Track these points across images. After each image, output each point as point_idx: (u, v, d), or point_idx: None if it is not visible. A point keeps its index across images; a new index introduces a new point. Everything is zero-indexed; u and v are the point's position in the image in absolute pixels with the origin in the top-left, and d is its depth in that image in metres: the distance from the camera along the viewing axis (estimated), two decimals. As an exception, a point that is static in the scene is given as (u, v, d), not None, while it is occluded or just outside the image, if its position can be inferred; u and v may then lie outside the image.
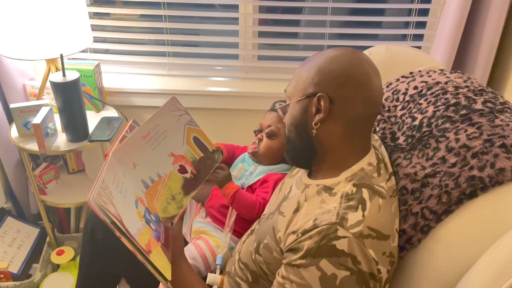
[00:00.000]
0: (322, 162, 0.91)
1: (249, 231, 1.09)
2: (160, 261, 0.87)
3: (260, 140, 1.24)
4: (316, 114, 0.86)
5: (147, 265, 0.85)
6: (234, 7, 1.83)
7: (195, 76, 1.91)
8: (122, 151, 0.99)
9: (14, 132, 1.60)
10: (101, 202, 0.81)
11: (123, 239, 0.83)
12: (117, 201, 0.87)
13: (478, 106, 0.95)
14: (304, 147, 0.91)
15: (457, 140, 0.90)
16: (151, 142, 1.06)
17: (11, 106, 1.53)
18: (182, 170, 1.11)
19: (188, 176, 1.12)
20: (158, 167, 1.07)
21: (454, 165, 0.88)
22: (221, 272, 1.11)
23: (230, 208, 1.20)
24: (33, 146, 1.52)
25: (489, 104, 0.95)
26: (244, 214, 1.16)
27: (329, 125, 0.86)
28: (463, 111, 0.95)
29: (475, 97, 0.98)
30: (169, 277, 0.87)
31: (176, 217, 1.02)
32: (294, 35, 1.95)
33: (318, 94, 0.85)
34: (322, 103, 0.85)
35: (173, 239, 0.97)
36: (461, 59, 1.69)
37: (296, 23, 1.93)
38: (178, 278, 0.95)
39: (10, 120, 1.71)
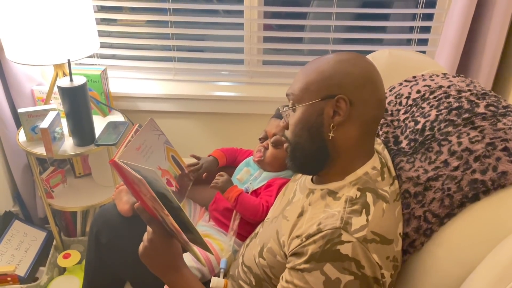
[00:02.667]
0: (331, 167, 0.90)
1: (252, 235, 1.09)
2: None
3: (266, 148, 1.24)
4: (334, 116, 0.85)
5: (192, 245, 0.90)
6: (239, 13, 1.85)
7: (200, 81, 1.93)
8: (126, 157, 1.02)
9: (22, 136, 1.62)
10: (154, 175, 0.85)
11: (171, 218, 0.85)
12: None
13: (481, 109, 0.95)
14: (316, 151, 0.89)
15: (460, 143, 0.91)
16: (143, 154, 1.11)
17: (19, 110, 1.55)
18: (169, 183, 1.16)
19: (174, 189, 1.16)
20: None
21: (456, 168, 0.88)
22: (225, 276, 1.11)
23: (235, 212, 1.21)
24: (41, 150, 1.54)
25: (491, 108, 0.95)
26: (248, 217, 1.17)
27: (346, 127, 0.86)
28: (466, 115, 0.95)
29: (478, 101, 0.98)
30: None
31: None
32: (299, 40, 1.96)
33: (337, 96, 0.84)
34: (341, 105, 0.84)
35: (174, 245, 0.98)
36: (465, 63, 1.69)
37: (300, 28, 1.94)
38: (179, 282, 0.95)
39: (18, 125, 1.73)
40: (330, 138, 0.86)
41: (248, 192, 1.22)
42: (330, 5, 1.76)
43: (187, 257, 1.16)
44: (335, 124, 0.85)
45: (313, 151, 0.89)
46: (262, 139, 1.27)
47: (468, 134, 0.91)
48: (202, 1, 1.90)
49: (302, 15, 1.92)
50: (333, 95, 0.84)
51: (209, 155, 1.35)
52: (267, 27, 1.92)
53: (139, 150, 1.09)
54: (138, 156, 1.09)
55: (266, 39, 1.89)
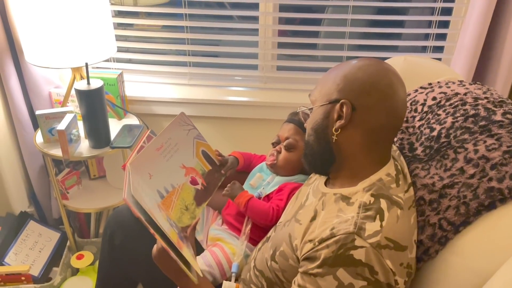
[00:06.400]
0: (339, 170, 0.92)
1: (264, 239, 1.10)
2: (191, 259, 0.90)
3: (279, 152, 1.25)
4: (338, 120, 0.87)
5: (180, 263, 0.86)
6: (254, 19, 1.86)
7: (215, 85, 1.94)
8: (139, 161, 1.02)
9: (39, 137, 1.65)
10: (138, 197, 0.84)
11: (157, 236, 0.85)
12: (146, 201, 0.90)
13: (498, 117, 0.94)
14: (322, 152, 0.91)
15: (476, 151, 0.90)
16: (164, 154, 1.10)
17: (37, 112, 1.58)
18: (194, 181, 1.15)
19: (199, 187, 1.15)
20: (172, 178, 1.10)
21: (472, 176, 0.87)
22: (236, 280, 1.11)
23: (247, 217, 1.21)
24: (57, 152, 1.56)
25: (508, 116, 0.94)
26: (259, 222, 1.18)
27: (349, 132, 0.87)
28: (482, 122, 0.95)
29: (495, 109, 0.97)
30: (200, 274, 0.90)
31: (189, 227, 1.04)
32: (313, 46, 1.96)
33: (341, 101, 0.86)
34: (344, 109, 0.85)
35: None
36: (481, 71, 1.67)
37: (315, 34, 1.94)
38: (192, 285, 0.96)
39: (36, 126, 1.76)
40: (334, 141, 0.88)
41: (260, 198, 1.23)
42: (345, 11, 1.76)
43: (199, 261, 1.16)
44: (336, 127, 0.87)
45: (319, 151, 0.92)
46: (275, 144, 1.28)
47: (485, 141, 0.90)
48: (217, 7, 1.92)
49: (317, 22, 1.93)
50: (338, 99, 0.86)
51: (229, 155, 1.36)
52: (281, 33, 1.93)
53: (159, 151, 1.09)
54: (157, 157, 1.08)
55: (281, 45, 1.90)
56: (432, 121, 1.04)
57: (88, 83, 1.48)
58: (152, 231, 0.85)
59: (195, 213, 1.12)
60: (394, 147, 1.06)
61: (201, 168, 1.20)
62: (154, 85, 1.95)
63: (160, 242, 0.86)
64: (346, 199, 0.86)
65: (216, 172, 1.25)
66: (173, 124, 1.14)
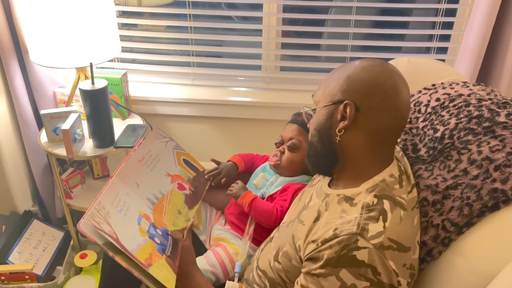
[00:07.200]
0: (343, 171, 0.92)
1: (267, 239, 1.10)
2: (162, 273, 0.90)
3: (282, 152, 1.25)
4: (341, 121, 0.87)
5: (145, 280, 0.87)
6: (258, 19, 1.87)
7: (218, 86, 1.94)
8: (124, 172, 1.04)
9: (43, 137, 1.65)
10: (94, 223, 0.85)
11: (117, 258, 0.86)
12: (114, 220, 0.91)
13: (502, 118, 0.94)
14: (326, 153, 0.92)
15: (480, 152, 0.90)
16: (147, 164, 1.12)
17: (42, 112, 1.59)
18: (181, 187, 1.17)
19: (187, 192, 1.17)
20: (159, 186, 1.12)
21: (476, 177, 0.87)
22: (239, 280, 1.12)
23: (250, 217, 1.22)
24: (61, 151, 1.57)
25: (513, 117, 0.95)
26: (262, 222, 1.18)
27: (352, 133, 0.87)
28: (486, 124, 0.95)
29: (499, 110, 0.97)
30: (172, 286, 0.89)
31: (185, 229, 1.04)
32: (317, 46, 1.96)
33: (345, 101, 0.86)
34: (348, 110, 0.85)
35: (185, 251, 1.00)
36: (486, 72, 1.67)
37: (318, 35, 1.95)
38: (192, 287, 0.97)
39: (40, 126, 1.77)
40: (337, 142, 0.88)
41: (264, 198, 1.23)
42: (349, 12, 1.77)
43: (202, 260, 1.17)
44: (340, 128, 0.86)
45: (323, 152, 0.92)
46: (278, 144, 1.28)
47: (489, 143, 0.90)
48: (221, 7, 1.92)
49: (320, 22, 1.93)
50: (342, 100, 0.86)
51: (228, 161, 1.36)
52: (285, 34, 1.93)
53: (142, 162, 1.12)
54: (141, 167, 1.10)
55: (284, 46, 1.90)
56: (436, 122, 1.04)
57: (93, 83, 1.48)
58: (111, 254, 0.86)
59: (189, 215, 1.15)
60: (398, 148, 1.06)
61: (186, 175, 1.22)
62: (158, 85, 1.95)
63: (121, 264, 0.87)
64: (349, 200, 0.87)
65: (201, 177, 1.28)
66: (149, 138, 1.17)
